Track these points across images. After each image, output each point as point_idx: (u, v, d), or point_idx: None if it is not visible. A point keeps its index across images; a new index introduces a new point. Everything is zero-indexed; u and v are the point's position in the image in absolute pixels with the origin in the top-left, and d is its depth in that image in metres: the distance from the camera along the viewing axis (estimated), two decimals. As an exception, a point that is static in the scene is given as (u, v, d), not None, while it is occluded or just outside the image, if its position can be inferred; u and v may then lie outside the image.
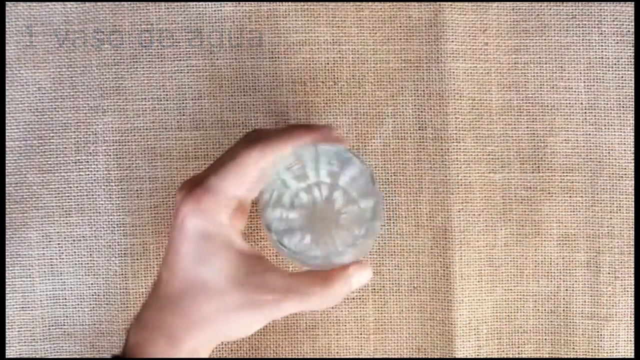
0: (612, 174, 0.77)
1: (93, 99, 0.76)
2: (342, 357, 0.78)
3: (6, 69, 0.75)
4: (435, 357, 0.77)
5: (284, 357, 0.78)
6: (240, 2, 0.76)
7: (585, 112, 0.77)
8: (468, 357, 0.77)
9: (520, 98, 0.77)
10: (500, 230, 0.77)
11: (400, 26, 0.76)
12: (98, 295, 0.76)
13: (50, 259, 0.76)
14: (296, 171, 0.67)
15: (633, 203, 0.76)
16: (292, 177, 0.67)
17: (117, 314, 0.76)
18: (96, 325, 0.77)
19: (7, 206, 0.75)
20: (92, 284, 0.76)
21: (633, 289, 0.77)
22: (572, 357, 0.77)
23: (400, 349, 0.78)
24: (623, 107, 0.76)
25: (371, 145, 0.77)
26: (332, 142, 0.66)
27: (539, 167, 0.77)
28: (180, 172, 0.76)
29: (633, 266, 0.77)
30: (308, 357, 0.77)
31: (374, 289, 0.77)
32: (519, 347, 0.78)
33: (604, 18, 0.76)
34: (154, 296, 0.66)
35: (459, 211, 0.77)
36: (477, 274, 0.77)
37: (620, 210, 0.77)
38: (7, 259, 0.76)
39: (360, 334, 0.78)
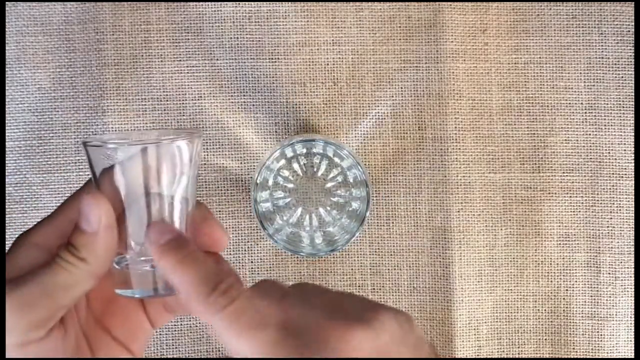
0: (612, 174, 0.77)
1: (93, 99, 0.76)
2: (342, 357, 0.77)
3: (6, 69, 0.75)
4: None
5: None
6: (240, 2, 0.76)
7: (585, 112, 0.77)
8: (468, 357, 0.77)
9: (520, 98, 0.77)
10: (500, 230, 0.77)
11: (400, 26, 0.76)
12: (98, 295, 0.76)
13: (50, 259, 0.76)
14: (276, 154, 0.70)
15: (633, 203, 0.76)
16: (273, 159, 0.70)
17: (117, 314, 0.76)
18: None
19: (7, 206, 0.76)
20: (92, 284, 0.76)
21: (633, 289, 0.77)
22: (572, 357, 0.77)
23: (400, 349, 0.78)
24: (623, 107, 0.76)
25: (371, 145, 0.77)
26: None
27: (539, 167, 0.77)
28: (180, 172, 0.76)
29: (633, 266, 0.77)
30: (308, 357, 0.77)
31: (374, 289, 0.77)
32: (519, 347, 0.78)
33: (604, 18, 0.76)
34: None
35: (459, 211, 0.77)
36: (477, 274, 0.77)
37: (620, 210, 0.77)
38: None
39: (360, 334, 0.77)
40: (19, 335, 0.49)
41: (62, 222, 0.53)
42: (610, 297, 0.77)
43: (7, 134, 0.75)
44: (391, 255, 0.77)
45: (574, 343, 0.77)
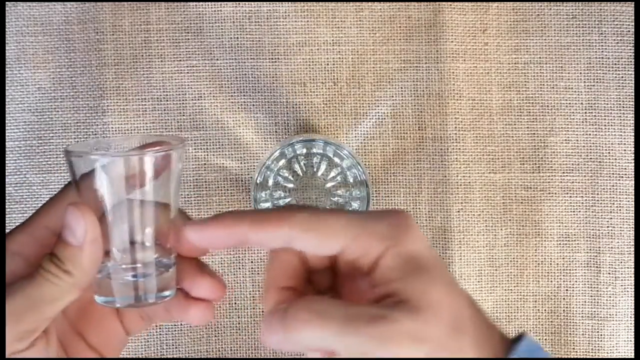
0: (612, 174, 0.77)
1: (93, 99, 0.76)
2: (342, 357, 0.77)
3: (6, 69, 0.75)
4: (435, 357, 0.77)
5: (284, 357, 0.78)
6: (240, 2, 0.76)
7: (585, 112, 0.77)
8: (468, 357, 0.77)
9: (520, 98, 0.77)
10: (500, 230, 0.77)
11: (400, 26, 0.76)
12: (98, 295, 0.76)
13: (50, 259, 0.76)
14: (276, 154, 0.70)
15: (633, 203, 0.76)
16: (273, 159, 0.70)
17: (117, 314, 0.76)
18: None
19: (7, 206, 0.76)
20: (92, 284, 0.76)
21: (633, 289, 0.77)
22: (572, 357, 0.77)
23: (400, 349, 0.78)
24: (623, 107, 0.76)
25: (371, 145, 0.77)
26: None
27: (539, 167, 0.77)
28: (180, 172, 0.76)
29: (633, 266, 0.77)
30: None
31: (374, 289, 0.77)
32: (519, 347, 0.78)
33: (604, 18, 0.76)
34: None
35: (459, 211, 0.77)
36: (477, 274, 0.77)
37: (620, 210, 0.77)
38: (7, 259, 0.76)
39: (360, 334, 0.77)
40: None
41: (40, 230, 0.52)
42: (610, 297, 0.77)
43: (7, 134, 0.75)
44: (391, 255, 0.77)
45: (574, 343, 0.77)
